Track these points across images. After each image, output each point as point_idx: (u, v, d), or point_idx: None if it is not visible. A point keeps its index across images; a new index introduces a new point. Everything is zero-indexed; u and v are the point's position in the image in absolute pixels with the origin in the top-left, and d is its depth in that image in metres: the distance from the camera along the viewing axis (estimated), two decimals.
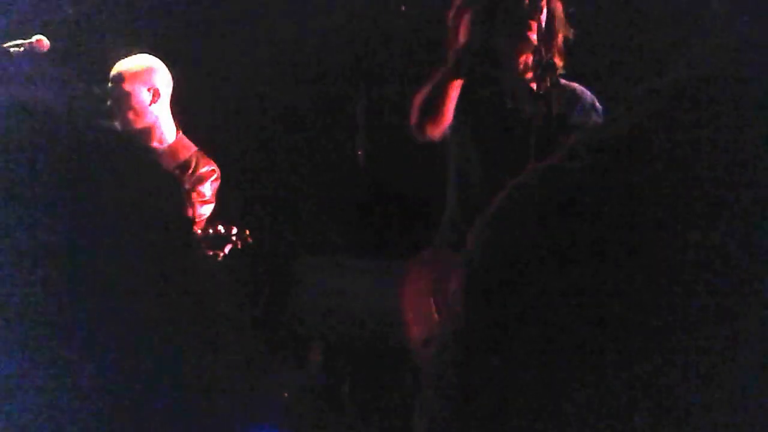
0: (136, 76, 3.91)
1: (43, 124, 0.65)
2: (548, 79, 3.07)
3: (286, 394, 4.18)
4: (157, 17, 4.80)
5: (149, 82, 3.92)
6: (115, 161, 0.67)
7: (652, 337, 0.60)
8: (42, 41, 3.87)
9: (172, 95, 4.01)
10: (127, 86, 3.88)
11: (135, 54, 3.99)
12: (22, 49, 3.83)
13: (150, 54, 4.05)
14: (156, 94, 3.91)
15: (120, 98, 3.89)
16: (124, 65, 3.95)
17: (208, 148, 4.06)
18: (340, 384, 4.34)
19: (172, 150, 3.98)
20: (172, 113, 4.01)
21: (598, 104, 3.26)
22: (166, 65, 4.01)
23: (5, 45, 3.81)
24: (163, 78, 3.98)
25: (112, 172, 0.66)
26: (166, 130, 4.00)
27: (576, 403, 0.60)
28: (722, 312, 0.60)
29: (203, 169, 3.94)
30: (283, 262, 4.60)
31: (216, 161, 3.99)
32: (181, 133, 4.03)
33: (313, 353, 4.32)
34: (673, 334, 0.60)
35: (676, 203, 0.62)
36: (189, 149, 4.00)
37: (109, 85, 3.93)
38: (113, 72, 3.94)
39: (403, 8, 4.17)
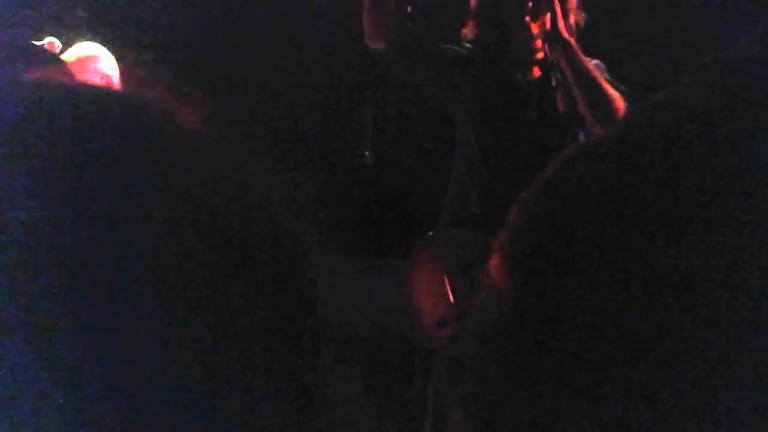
0: (86, 65, 3.80)
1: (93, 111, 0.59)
2: (558, 47, 3.08)
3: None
4: (167, 18, 4.81)
5: (99, 71, 3.81)
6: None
7: (719, 333, 0.57)
8: (53, 44, 3.89)
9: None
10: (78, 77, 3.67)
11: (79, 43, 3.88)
12: None
13: (160, 55, 4.05)
14: (110, 84, 3.76)
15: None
16: (71, 55, 3.81)
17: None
18: (352, 384, 4.33)
19: None
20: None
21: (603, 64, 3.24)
22: (176, 68, 3.99)
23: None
24: (111, 65, 3.87)
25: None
26: None
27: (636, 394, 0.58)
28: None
29: None
30: (291, 262, 4.59)
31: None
32: None
33: (324, 353, 4.31)
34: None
35: (744, 183, 0.58)
36: None
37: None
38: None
39: (409, 9, 4.18)
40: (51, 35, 3.92)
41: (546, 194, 0.65)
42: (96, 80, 3.70)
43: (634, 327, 0.57)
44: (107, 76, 3.81)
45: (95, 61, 3.83)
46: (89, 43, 3.94)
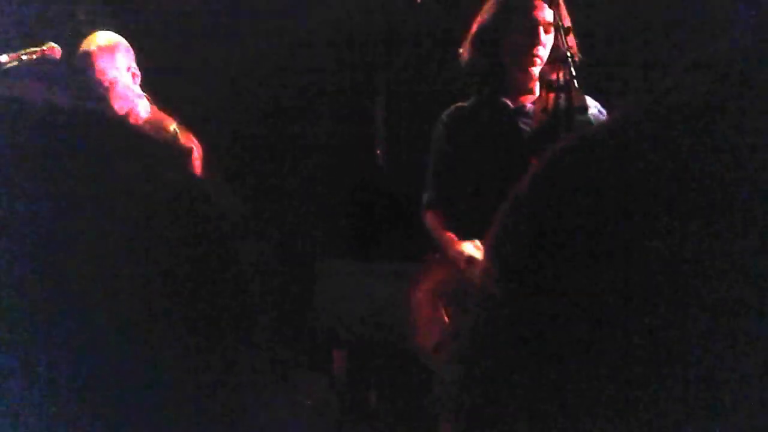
0: (116, 55, 3.77)
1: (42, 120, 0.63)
2: (565, 71, 3.09)
3: (309, 402, 4.13)
4: (170, 18, 4.78)
5: (128, 61, 3.81)
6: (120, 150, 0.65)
7: (714, 333, 0.56)
8: (54, 48, 3.85)
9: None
10: (107, 64, 3.74)
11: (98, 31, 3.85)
12: (34, 56, 3.81)
13: (165, 54, 4.02)
14: (135, 74, 3.81)
15: (100, 78, 3.74)
16: (96, 44, 3.77)
17: (222, 146, 4.01)
18: (365, 390, 4.29)
19: (153, 126, 3.81)
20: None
21: (603, 109, 3.30)
22: (183, 64, 3.97)
23: (18, 53, 3.79)
24: (132, 54, 3.86)
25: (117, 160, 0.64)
26: (143, 106, 3.88)
27: (626, 397, 0.57)
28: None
29: (187, 145, 3.81)
30: (302, 265, 4.56)
31: (233, 163, 3.94)
32: (155, 107, 3.91)
33: (337, 359, 4.27)
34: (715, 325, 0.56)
35: (732, 180, 0.58)
36: (169, 123, 3.84)
37: (82, 66, 3.77)
38: (86, 51, 3.76)
39: (419, 0, 4.14)
40: (51, 40, 3.89)
41: (534, 192, 0.64)
42: (119, 72, 3.75)
43: (626, 327, 0.57)
44: (133, 65, 3.81)
45: (115, 50, 3.80)
46: (107, 32, 3.90)
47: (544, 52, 3.19)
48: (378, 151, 4.76)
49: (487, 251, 0.65)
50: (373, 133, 4.86)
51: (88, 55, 3.77)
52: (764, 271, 0.55)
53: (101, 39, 3.83)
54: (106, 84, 3.76)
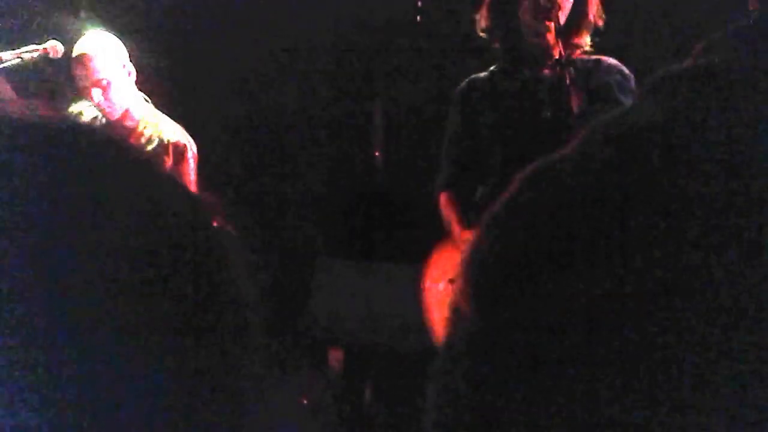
0: (109, 54, 3.77)
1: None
2: (570, 51, 3.03)
3: (305, 401, 4.13)
4: (174, 19, 4.78)
5: (122, 59, 3.80)
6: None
7: (681, 338, 0.56)
8: (56, 47, 3.85)
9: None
10: (101, 64, 3.73)
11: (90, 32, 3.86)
12: (36, 55, 3.82)
13: (166, 57, 4.02)
14: (129, 72, 3.81)
15: (95, 79, 3.73)
16: (89, 45, 3.77)
17: (223, 147, 4.01)
18: (361, 390, 4.29)
19: (147, 124, 3.86)
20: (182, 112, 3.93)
21: (626, 69, 3.16)
22: (186, 70, 3.97)
23: (19, 51, 3.79)
24: (125, 51, 3.84)
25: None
26: (139, 105, 3.89)
27: (599, 408, 0.57)
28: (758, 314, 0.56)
29: (180, 143, 3.81)
30: (301, 264, 4.56)
31: (233, 164, 3.94)
32: (151, 105, 3.92)
33: (333, 358, 4.27)
34: (704, 334, 0.56)
35: (704, 200, 0.57)
36: (163, 123, 3.86)
37: (77, 66, 3.77)
38: (80, 52, 3.76)
39: (419, 4, 4.13)
40: (54, 38, 3.90)
41: (505, 214, 0.64)
42: (113, 71, 3.74)
43: (603, 349, 0.57)
44: (123, 65, 3.80)
45: (108, 49, 3.80)
46: (100, 31, 3.92)
47: (562, 15, 3.01)
48: (376, 153, 4.77)
49: (462, 271, 0.64)
50: (372, 135, 4.86)
51: (81, 56, 3.77)
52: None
53: (93, 39, 3.83)
54: (103, 84, 3.76)
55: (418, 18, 4.47)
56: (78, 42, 3.81)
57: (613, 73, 3.14)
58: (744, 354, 0.55)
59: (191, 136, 3.86)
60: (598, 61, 3.17)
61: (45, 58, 3.87)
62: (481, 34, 3.21)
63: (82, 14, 4.64)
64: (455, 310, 0.63)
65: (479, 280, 0.62)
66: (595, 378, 0.57)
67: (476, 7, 3.21)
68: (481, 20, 3.19)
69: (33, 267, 0.56)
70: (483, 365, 0.60)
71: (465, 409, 0.61)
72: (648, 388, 0.56)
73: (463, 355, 0.62)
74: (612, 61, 3.18)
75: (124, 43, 3.87)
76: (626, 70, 3.17)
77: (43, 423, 0.55)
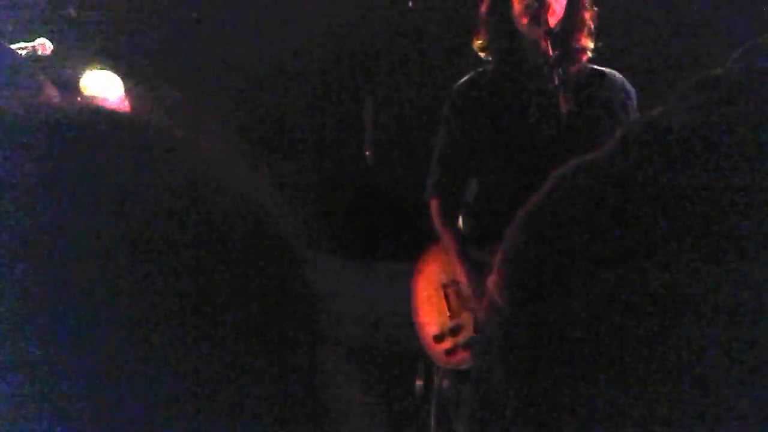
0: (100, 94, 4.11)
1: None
2: (571, 63, 3.04)
3: None
4: (163, 15, 4.77)
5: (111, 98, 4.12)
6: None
7: (712, 344, 0.57)
8: (45, 44, 3.84)
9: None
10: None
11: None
12: (24, 52, 3.80)
13: (160, 51, 4.06)
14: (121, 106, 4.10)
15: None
16: (95, 82, 4.15)
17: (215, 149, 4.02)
18: (353, 388, 4.29)
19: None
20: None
21: (629, 86, 3.18)
22: (173, 64, 4.03)
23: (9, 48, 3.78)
24: (120, 92, 4.21)
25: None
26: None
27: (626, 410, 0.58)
28: None
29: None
30: (292, 264, 4.55)
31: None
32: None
33: (319, 355, 4.26)
34: (738, 339, 0.57)
35: (732, 205, 0.58)
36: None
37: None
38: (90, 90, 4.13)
39: (410, 5, 4.14)
40: (43, 36, 3.89)
41: (542, 212, 0.65)
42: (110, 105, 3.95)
43: (632, 347, 0.58)
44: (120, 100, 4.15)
45: (107, 90, 4.14)
46: (101, 71, 4.23)
47: (556, 5, 3.00)
48: (367, 152, 4.77)
49: (497, 264, 0.65)
50: (363, 134, 4.86)
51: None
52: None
53: (99, 77, 4.22)
54: None
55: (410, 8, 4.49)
56: (85, 77, 4.14)
57: (617, 91, 3.15)
58: None
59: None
60: (603, 74, 3.18)
61: (35, 55, 3.85)
62: (481, 54, 3.22)
63: (71, 11, 4.63)
64: (491, 303, 0.64)
65: (513, 275, 0.63)
66: (620, 373, 0.57)
67: (474, 32, 3.21)
68: (481, 41, 3.20)
69: (90, 259, 0.56)
70: (513, 353, 0.61)
71: (499, 392, 0.62)
72: (672, 391, 0.56)
73: (495, 345, 0.63)
74: (617, 76, 3.20)
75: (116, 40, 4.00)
76: (629, 86, 3.19)
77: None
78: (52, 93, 4.08)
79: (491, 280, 0.66)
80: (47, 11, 4.54)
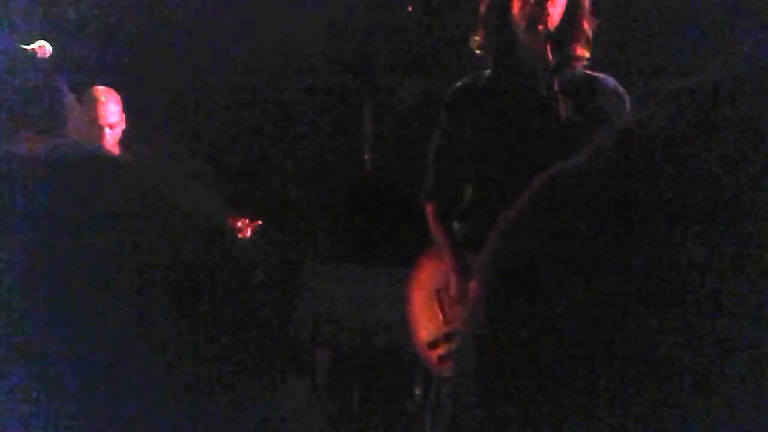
0: (99, 108, 4.16)
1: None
2: (566, 69, 3.03)
3: (291, 405, 4.11)
4: (162, 17, 4.78)
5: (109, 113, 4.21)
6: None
7: (685, 344, 0.57)
8: (44, 47, 3.84)
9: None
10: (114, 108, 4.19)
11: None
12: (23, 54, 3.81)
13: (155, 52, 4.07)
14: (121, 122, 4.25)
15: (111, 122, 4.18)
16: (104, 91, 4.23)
17: (212, 152, 4.02)
18: (347, 392, 4.29)
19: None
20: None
21: (622, 90, 3.16)
22: (172, 65, 4.07)
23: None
24: (118, 109, 4.28)
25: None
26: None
27: (600, 410, 0.59)
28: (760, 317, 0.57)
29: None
30: (289, 268, 4.55)
31: (220, 167, 4.02)
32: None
33: (319, 361, 4.27)
34: (708, 340, 0.57)
35: (709, 207, 0.59)
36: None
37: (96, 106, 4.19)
38: (97, 96, 4.18)
39: (409, 8, 4.13)
40: (42, 39, 3.89)
41: (521, 218, 0.65)
42: (110, 120, 4.19)
43: (610, 350, 0.58)
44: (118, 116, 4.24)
45: (107, 104, 4.20)
46: (100, 87, 4.29)
47: (554, 10, 2.98)
48: (366, 156, 4.76)
49: (478, 271, 0.66)
50: (361, 137, 4.86)
51: (98, 99, 4.18)
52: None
53: (104, 89, 4.26)
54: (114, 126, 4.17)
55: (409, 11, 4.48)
56: (91, 90, 4.21)
57: (609, 95, 3.14)
58: None
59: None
60: (596, 79, 3.17)
61: (33, 57, 3.86)
62: (478, 52, 3.20)
63: (71, 16, 4.64)
64: (470, 309, 0.65)
65: (493, 280, 0.64)
66: (596, 376, 0.58)
67: (472, 30, 3.20)
68: (478, 39, 3.18)
69: (90, 272, 0.57)
70: (494, 365, 0.62)
71: (472, 399, 0.63)
72: (649, 390, 0.57)
73: (476, 354, 0.63)
74: (610, 82, 3.18)
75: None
76: (622, 90, 3.17)
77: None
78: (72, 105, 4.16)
79: (472, 285, 0.64)
80: (47, 14, 4.56)
